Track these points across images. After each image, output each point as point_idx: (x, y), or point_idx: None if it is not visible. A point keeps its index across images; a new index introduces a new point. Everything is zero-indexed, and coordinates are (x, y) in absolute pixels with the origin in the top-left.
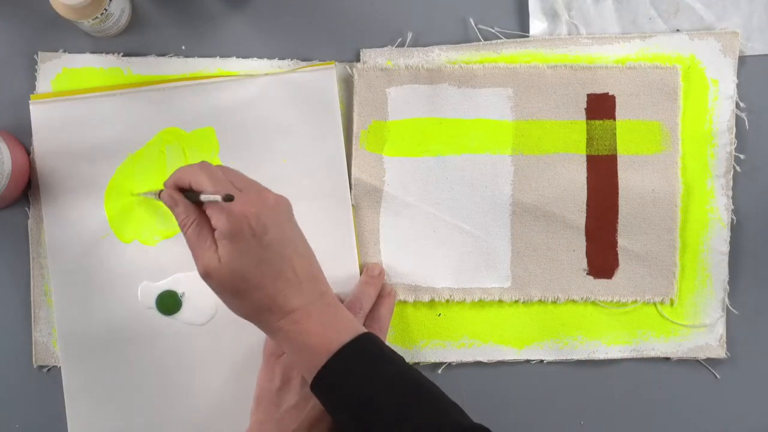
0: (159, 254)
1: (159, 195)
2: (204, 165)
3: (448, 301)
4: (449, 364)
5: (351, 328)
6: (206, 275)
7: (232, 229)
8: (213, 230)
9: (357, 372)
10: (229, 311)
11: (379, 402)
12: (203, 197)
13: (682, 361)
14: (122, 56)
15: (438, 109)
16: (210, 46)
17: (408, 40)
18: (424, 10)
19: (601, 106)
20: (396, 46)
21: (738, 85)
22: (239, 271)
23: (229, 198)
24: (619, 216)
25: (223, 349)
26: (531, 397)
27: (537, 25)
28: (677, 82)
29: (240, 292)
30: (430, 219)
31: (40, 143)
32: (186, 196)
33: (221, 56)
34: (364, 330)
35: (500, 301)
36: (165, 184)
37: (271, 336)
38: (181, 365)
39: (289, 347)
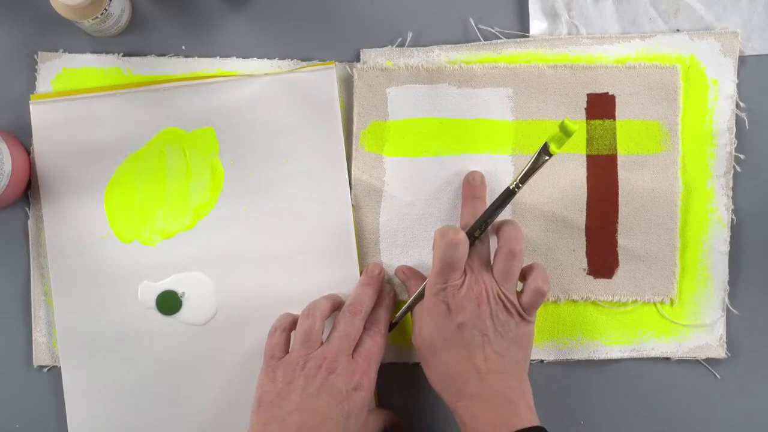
0: (159, 254)
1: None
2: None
3: None
4: None
5: (524, 423)
6: (413, 337)
7: (426, 305)
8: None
9: None
10: (229, 311)
11: None
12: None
13: (682, 361)
14: (122, 56)
15: (438, 109)
16: (210, 46)
17: (408, 40)
18: (424, 10)
19: (601, 106)
20: (396, 46)
21: (738, 85)
22: (430, 343)
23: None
24: (619, 216)
25: (223, 349)
26: None
27: (537, 25)
28: (677, 82)
29: (428, 361)
30: (430, 219)
31: (40, 143)
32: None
33: (221, 56)
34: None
35: None
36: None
37: (452, 411)
38: (181, 365)
39: (463, 428)
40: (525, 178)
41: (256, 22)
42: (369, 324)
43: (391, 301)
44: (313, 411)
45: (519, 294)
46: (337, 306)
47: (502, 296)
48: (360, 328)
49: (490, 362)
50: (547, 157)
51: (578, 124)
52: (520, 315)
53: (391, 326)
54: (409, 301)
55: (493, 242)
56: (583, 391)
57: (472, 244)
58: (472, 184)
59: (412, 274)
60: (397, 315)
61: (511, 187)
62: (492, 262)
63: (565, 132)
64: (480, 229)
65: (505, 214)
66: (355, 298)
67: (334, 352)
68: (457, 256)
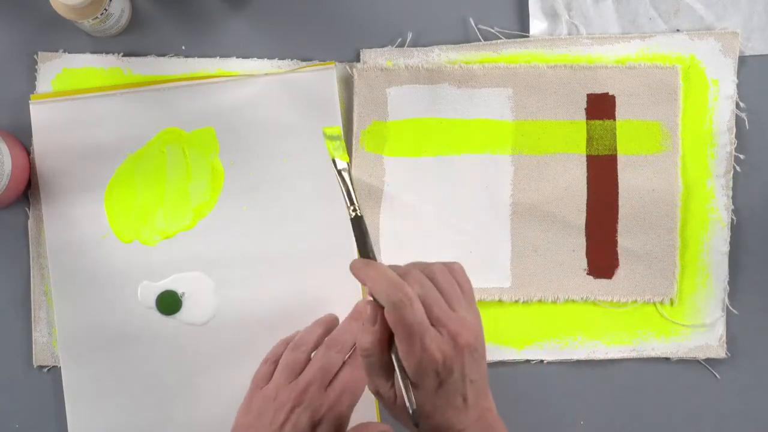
0: (159, 254)
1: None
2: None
3: None
4: None
5: None
6: (377, 395)
7: (417, 373)
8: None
9: None
10: (228, 311)
11: None
12: (396, 365)
13: (682, 361)
14: (122, 56)
15: (438, 109)
16: (210, 46)
17: (408, 40)
18: (424, 10)
19: (601, 106)
20: (396, 46)
21: (738, 85)
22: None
23: (414, 423)
24: (619, 216)
25: (223, 349)
26: (531, 397)
27: (537, 25)
28: (677, 82)
29: (405, 417)
30: (430, 219)
31: (40, 143)
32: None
33: (221, 56)
34: None
35: (500, 301)
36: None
37: None
38: (181, 365)
39: None
40: (352, 199)
41: (256, 22)
42: (349, 357)
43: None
44: None
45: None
46: (330, 330)
47: (466, 319)
48: (337, 361)
49: (469, 398)
50: (343, 167)
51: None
52: (476, 315)
53: (417, 416)
54: (398, 375)
55: None
56: (583, 391)
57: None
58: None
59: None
60: (412, 405)
61: (351, 216)
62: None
63: (330, 137)
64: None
65: (504, 214)
66: (338, 331)
67: (305, 384)
68: (417, 313)
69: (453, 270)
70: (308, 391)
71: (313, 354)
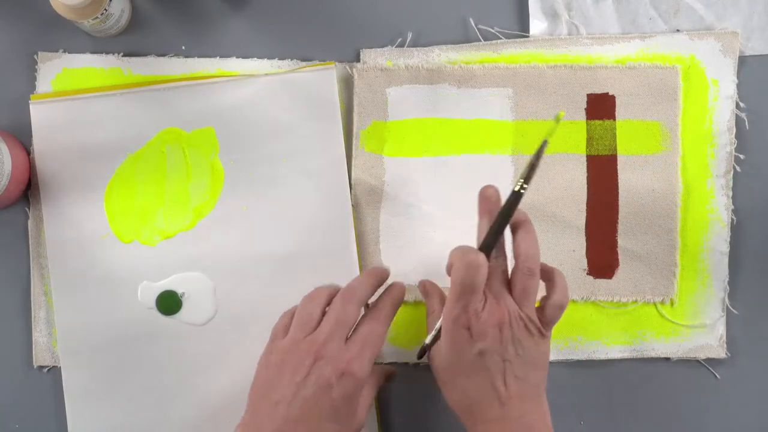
0: (159, 254)
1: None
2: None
3: None
4: None
5: None
6: (430, 357)
7: (452, 326)
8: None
9: None
10: (228, 311)
11: None
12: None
13: (682, 361)
14: (122, 56)
15: (438, 109)
16: (210, 46)
17: (408, 40)
18: (424, 10)
19: (601, 106)
20: (396, 46)
21: (738, 85)
22: (449, 367)
23: (418, 355)
24: (619, 216)
25: (223, 349)
26: None
27: (537, 25)
28: (677, 82)
29: (446, 384)
30: (430, 219)
31: (40, 143)
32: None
33: (221, 56)
34: None
35: None
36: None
37: None
38: (181, 365)
39: None
40: (529, 178)
41: (256, 22)
42: (368, 311)
43: (398, 293)
44: (300, 402)
45: (538, 309)
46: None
47: (524, 317)
48: (354, 314)
49: (510, 388)
50: (544, 146)
51: (579, 123)
52: (540, 333)
53: (423, 351)
54: (437, 326)
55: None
56: (583, 391)
57: (488, 261)
58: (489, 199)
59: (433, 290)
60: (428, 340)
61: (516, 189)
62: (509, 277)
63: (557, 120)
64: (493, 240)
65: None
66: (350, 285)
67: (324, 338)
68: (478, 279)
69: (551, 297)
70: (328, 345)
71: (328, 308)
